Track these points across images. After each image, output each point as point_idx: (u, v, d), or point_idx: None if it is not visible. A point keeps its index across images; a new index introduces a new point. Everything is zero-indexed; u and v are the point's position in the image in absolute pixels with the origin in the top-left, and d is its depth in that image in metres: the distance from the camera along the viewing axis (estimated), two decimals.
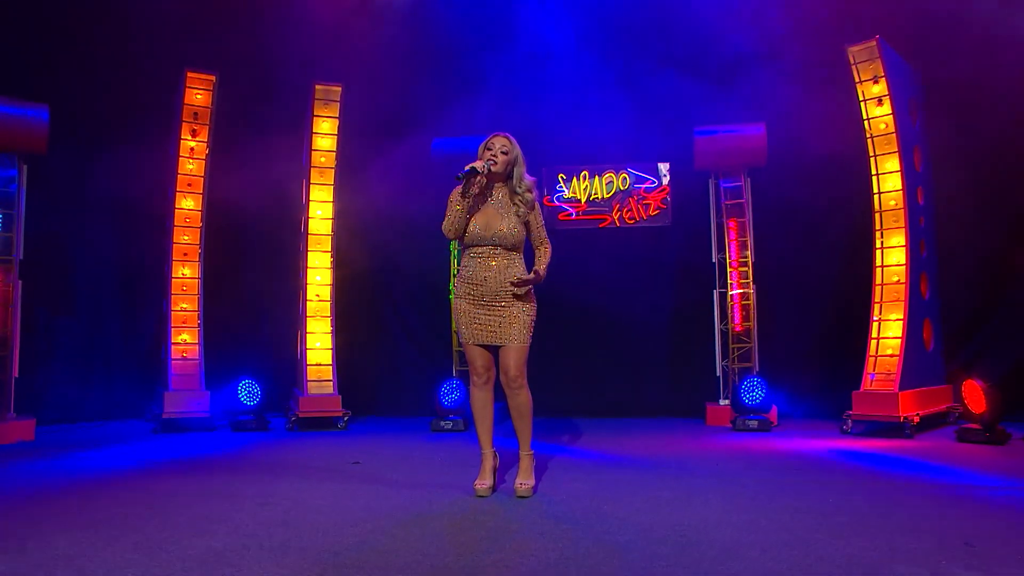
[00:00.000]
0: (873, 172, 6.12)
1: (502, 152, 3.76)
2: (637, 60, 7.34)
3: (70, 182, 6.86)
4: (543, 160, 7.54)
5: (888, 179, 6.07)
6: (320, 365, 6.78)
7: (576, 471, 4.42)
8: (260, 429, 6.43)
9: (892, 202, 6.04)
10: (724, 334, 6.82)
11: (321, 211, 6.97)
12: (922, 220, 6.27)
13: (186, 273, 6.68)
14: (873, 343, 5.96)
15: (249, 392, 6.51)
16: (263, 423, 6.48)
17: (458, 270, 3.88)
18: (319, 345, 6.82)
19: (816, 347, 7.04)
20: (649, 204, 7.45)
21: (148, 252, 7.07)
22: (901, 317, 5.87)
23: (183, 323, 6.59)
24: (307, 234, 6.93)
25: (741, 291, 6.77)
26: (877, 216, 6.11)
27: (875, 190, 6.11)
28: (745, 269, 6.77)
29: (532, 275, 3.73)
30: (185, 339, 6.56)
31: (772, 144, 6.60)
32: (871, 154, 6.11)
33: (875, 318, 6.00)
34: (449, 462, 4.81)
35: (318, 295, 6.91)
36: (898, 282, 5.93)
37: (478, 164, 3.70)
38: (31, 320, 6.51)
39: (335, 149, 6.97)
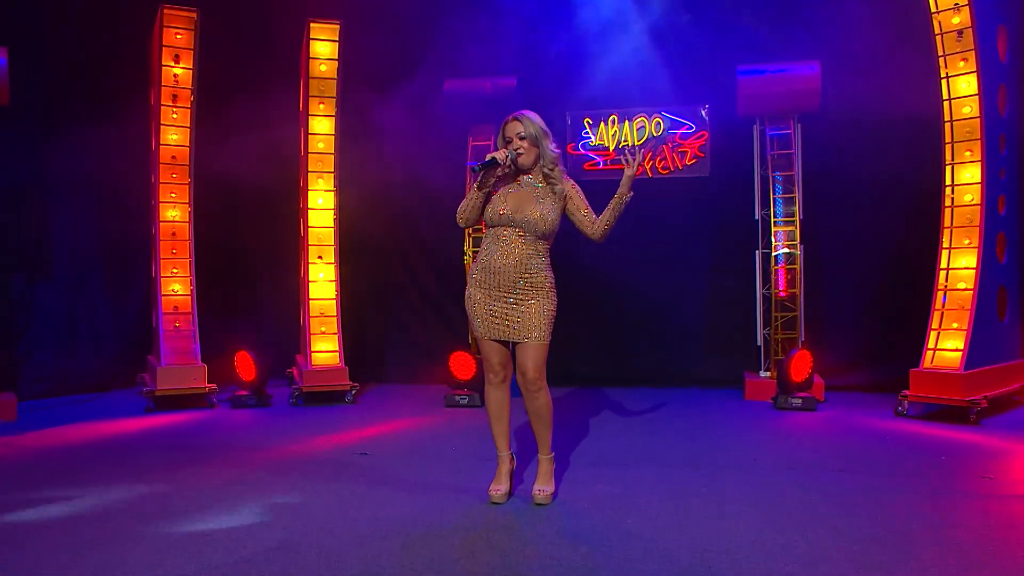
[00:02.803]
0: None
1: (520, 138, 3.66)
2: None
3: (39, 139, 6.78)
4: (568, 104, 7.36)
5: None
6: (325, 333, 6.80)
7: (600, 466, 4.42)
8: (261, 405, 6.50)
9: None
10: (767, 299, 6.71)
11: (323, 164, 6.89)
12: (1002, 173, 6.01)
13: (176, 233, 6.63)
14: (936, 315, 5.82)
15: (249, 364, 6.53)
16: (264, 398, 6.54)
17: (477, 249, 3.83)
18: (323, 312, 6.82)
19: (869, 317, 6.91)
20: (685, 152, 7.25)
21: (133, 212, 7.02)
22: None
23: (174, 291, 6.57)
24: (307, 190, 6.87)
25: (787, 252, 6.62)
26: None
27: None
28: (792, 228, 6.60)
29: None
30: (177, 308, 6.55)
31: (827, 87, 6.33)
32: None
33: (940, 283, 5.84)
34: (464, 453, 4.85)
35: (321, 256, 6.87)
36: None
37: (499, 154, 3.61)
38: (7, 290, 6.58)
39: (335, 95, 6.82)
